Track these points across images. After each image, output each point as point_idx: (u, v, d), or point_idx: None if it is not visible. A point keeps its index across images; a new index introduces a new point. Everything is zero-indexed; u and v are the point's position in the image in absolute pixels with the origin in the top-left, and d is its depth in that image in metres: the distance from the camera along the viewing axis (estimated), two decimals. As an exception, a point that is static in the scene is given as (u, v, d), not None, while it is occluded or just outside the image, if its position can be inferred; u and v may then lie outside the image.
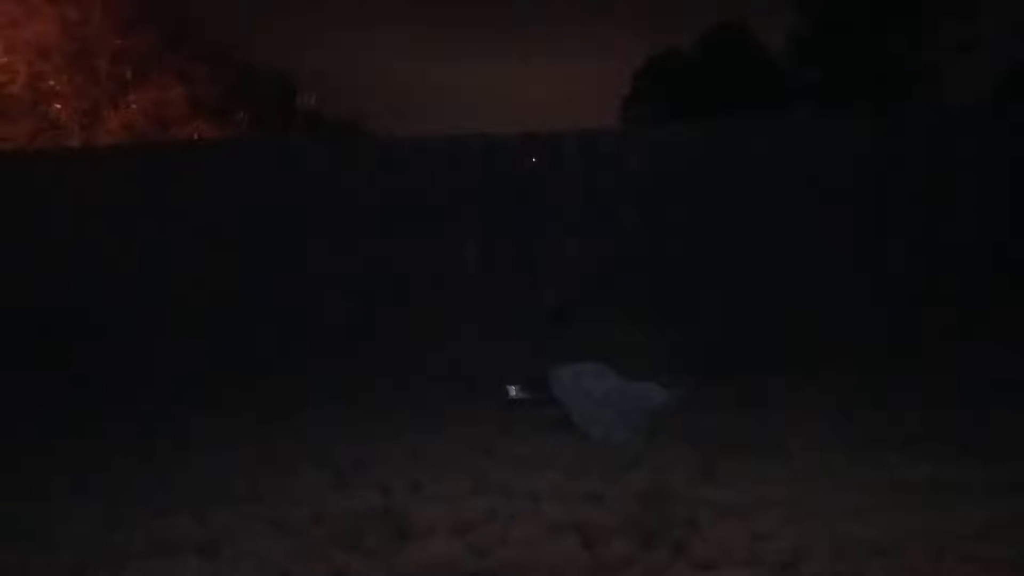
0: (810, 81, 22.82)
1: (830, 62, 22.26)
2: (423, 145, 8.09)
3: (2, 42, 13.60)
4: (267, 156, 8.42)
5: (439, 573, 3.30)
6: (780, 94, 21.96)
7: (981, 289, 7.00)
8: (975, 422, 4.96)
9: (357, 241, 7.87)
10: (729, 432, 4.97)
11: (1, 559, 3.50)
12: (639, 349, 5.26)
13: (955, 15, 21.21)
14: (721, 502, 3.84)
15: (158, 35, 15.32)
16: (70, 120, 14.53)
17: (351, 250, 7.87)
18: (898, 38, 21.92)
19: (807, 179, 7.39)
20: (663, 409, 5.12)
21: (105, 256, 7.92)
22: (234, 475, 4.52)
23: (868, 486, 4.01)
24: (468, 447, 4.92)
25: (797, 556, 3.27)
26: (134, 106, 14.92)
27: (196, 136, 15.02)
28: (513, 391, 5.78)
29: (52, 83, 14.28)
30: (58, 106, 14.48)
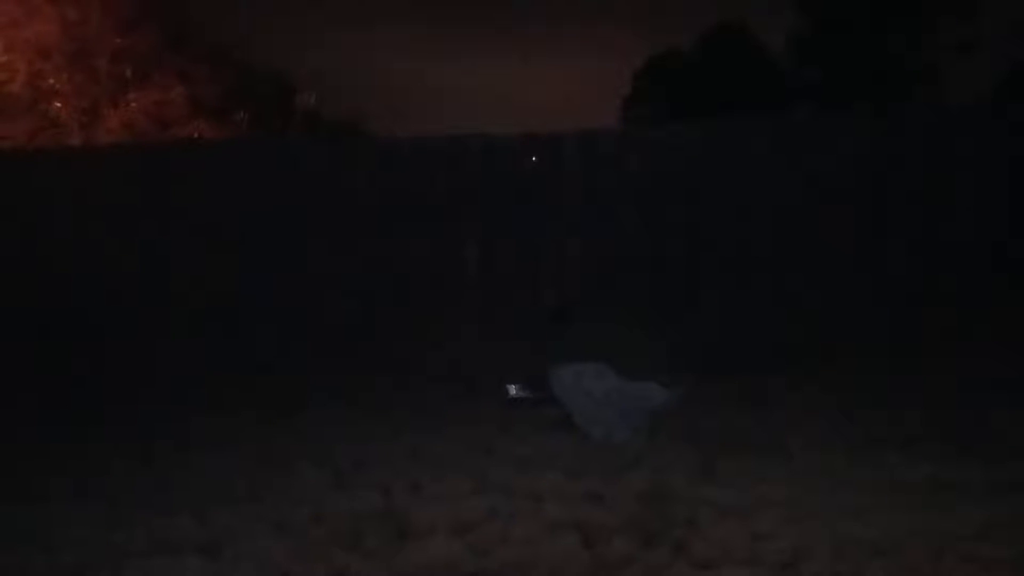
0: (810, 81, 22.78)
1: (830, 62, 22.23)
2: (423, 145, 8.09)
3: (2, 41, 13.59)
4: (267, 156, 8.42)
5: (439, 573, 3.30)
6: (780, 94, 21.93)
7: (981, 289, 7.00)
8: (975, 422, 4.97)
9: (357, 241, 7.87)
10: (729, 432, 4.97)
11: (2, 561, 3.50)
12: (639, 349, 5.27)
13: (955, 15, 21.19)
14: (721, 502, 3.84)
15: (158, 35, 15.30)
16: (70, 119, 14.52)
17: (351, 250, 7.87)
18: (898, 38, 21.90)
19: (807, 179, 7.39)
20: (663, 409, 5.13)
21: (105, 256, 7.92)
22: (234, 475, 4.52)
23: (868, 486, 4.01)
24: (468, 447, 4.92)
25: (797, 556, 3.27)
26: (134, 105, 14.90)
27: (196, 136, 15.01)
28: (513, 391, 5.79)
29: (52, 82, 14.26)
30: (58, 105, 14.46)
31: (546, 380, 5.33)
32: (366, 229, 7.85)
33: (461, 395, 6.25)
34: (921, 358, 6.32)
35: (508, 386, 5.82)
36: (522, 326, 7.23)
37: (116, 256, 7.92)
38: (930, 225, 7.31)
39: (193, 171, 8.18)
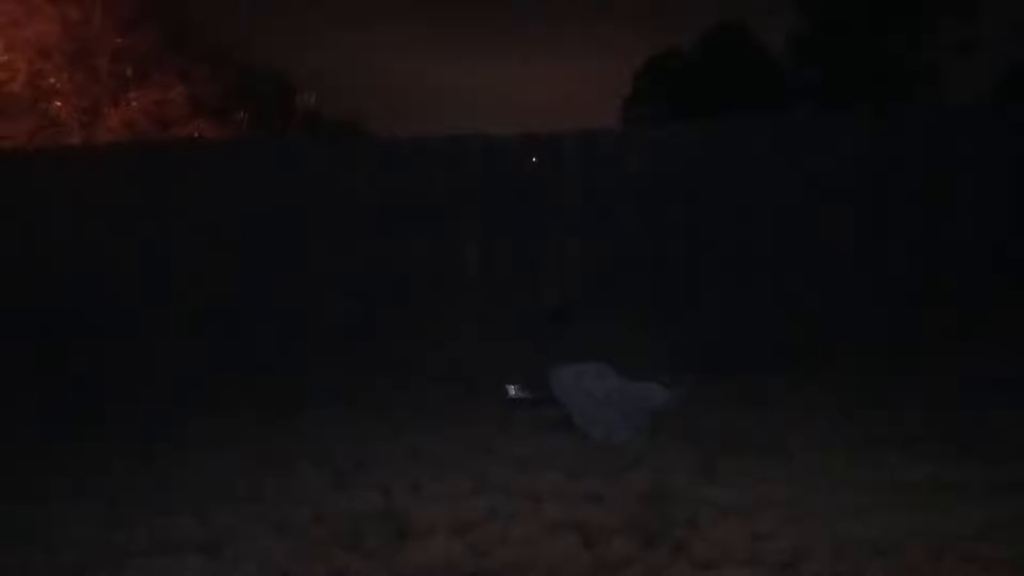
0: (810, 81, 22.79)
1: (830, 62, 22.24)
2: (423, 145, 8.09)
3: (3, 41, 13.59)
4: (267, 156, 8.42)
5: (439, 573, 3.30)
6: (780, 94, 21.94)
7: (981, 289, 7.00)
8: (975, 422, 4.96)
9: (357, 241, 7.87)
10: (729, 432, 4.97)
11: (2, 561, 3.49)
12: (640, 349, 5.27)
13: (955, 15, 21.20)
14: (721, 502, 3.84)
15: (159, 34, 15.31)
16: (70, 118, 14.52)
17: (351, 250, 7.87)
18: (898, 38, 21.91)
19: (807, 179, 7.39)
20: (664, 409, 5.12)
21: (105, 256, 7.92)
22: (234, 475, 4.52)
23: (868, 486, 4.01)
24: (468, 447, 4.92)
25: (797, 556, 3.27)
26: (134, 104, 14.91)
27: (196, 136, 15.01)
28: (513, 391, 5.78)
29: (53, 81, 14.27)
30: (58, 104, 14.47)
31: (546, 380, 5.33)
32: (366, 229, 7.85)
33: (461, 395, 6.24)
34: (921, 358, 6.32)
35: (508, 386, 5.81)
36: (522, 326, 7.23)
37: (116, 256, 7.92)
38: (930, 225, 7.31)
39: (193, 171, 8.18)
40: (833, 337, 6.78)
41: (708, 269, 7.48)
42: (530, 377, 5.68)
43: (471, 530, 3.64)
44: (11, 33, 13.58)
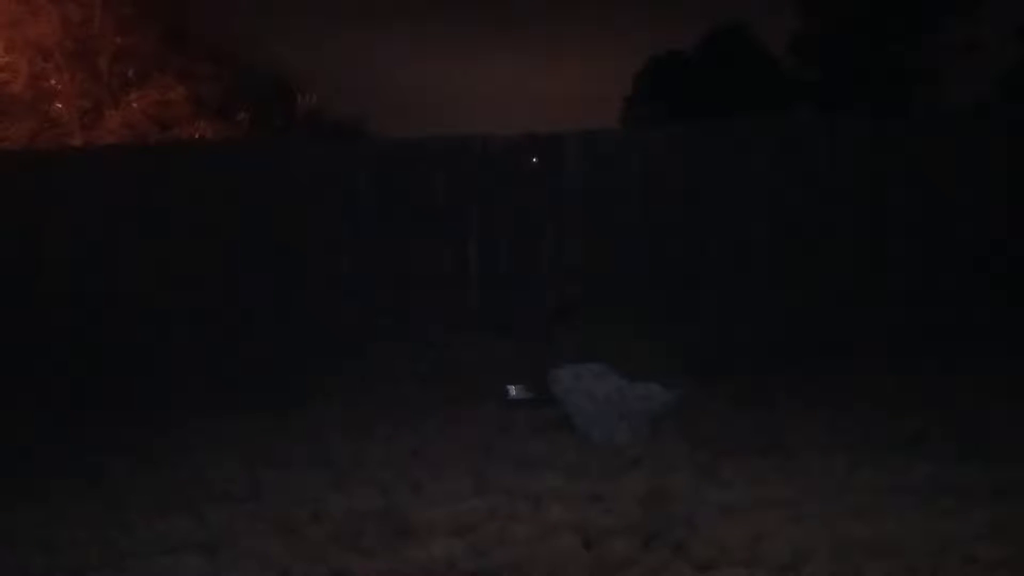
0: (810, 81, 22.79)
1: (830, 62, 22.24)
2: (423, 145, 8.09)
3: (3, 41, 13.58)
4: (267, 156, 8.42)
5: (439, 573, 3.30)
6: (780, 94, 21.93)
7: (981, 289, 7.00)
8: (975, 422, 4.96)
9: (357, 241, 7.87)
10: (729, 432, 4.97)
11: (2, 561, 3.50)
12: (639, 349, 5.27)
13: (955, 15, 21.19)
14: (721, 502, 3.84)
15: (159, 35, 15.31)
16: (71, 119, 14.51)
17: (351, 250, 7.87)
18: (898, 38, 21.90)
19: (807, 179, 7.39)
20: (664, 409, 5.12)
21: (105, 256, 7.91)
22: (234, 475, 4.52)
23: (868, 486, 4.01)
24: (468, 447, 4.92)
25: (797, 556, 3.27)
26: (135, 105, 14.89)
27: (197, 136, 15.01)
28: (513, 391, 5.79)
29: (53, 82, 14.25)
30: (59, 105, 14.45)
31: (546, 380, 5.33)
32: (366, 229, 7.85)
33: (461, 395, 6.24)
34: (921, 358, 6.32)
35: (508, 386, 5.82)
36: (522, 326, 7.23)
37: (116, 256, 7.91)
38: (930, 225, 7.31)
39: (193, 171, 8.17)
40: (833, 337, 6.78)
41: (708, 269, 7.48)
42: (530, 377, 5.68)
43: (471, 530, 3.64)
44: (12, 34, 13.57)
